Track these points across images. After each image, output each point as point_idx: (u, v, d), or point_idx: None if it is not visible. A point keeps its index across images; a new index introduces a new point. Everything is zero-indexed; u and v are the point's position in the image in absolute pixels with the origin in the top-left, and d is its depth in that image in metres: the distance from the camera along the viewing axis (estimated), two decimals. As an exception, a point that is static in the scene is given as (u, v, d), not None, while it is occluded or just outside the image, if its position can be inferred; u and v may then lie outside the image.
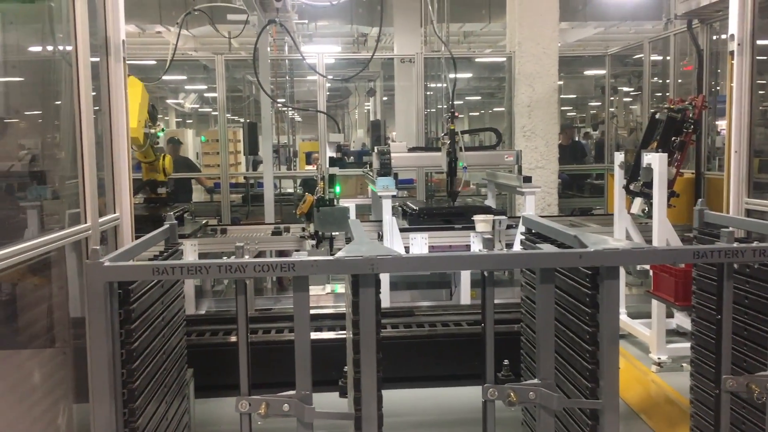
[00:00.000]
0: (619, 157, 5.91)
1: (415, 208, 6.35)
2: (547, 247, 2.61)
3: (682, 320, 5.65)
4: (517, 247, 5.45)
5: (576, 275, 2.84)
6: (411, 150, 6.63)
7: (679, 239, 5.29)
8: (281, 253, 6.32)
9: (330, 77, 10.03)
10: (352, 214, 5.69)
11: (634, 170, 5.65)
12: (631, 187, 5.65)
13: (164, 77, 7.62)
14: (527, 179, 6.13)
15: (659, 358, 5.24)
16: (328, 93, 8.97)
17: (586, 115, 20.13)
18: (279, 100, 10.85)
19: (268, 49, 8.01)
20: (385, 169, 5.99)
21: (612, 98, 10.37)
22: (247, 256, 2.61)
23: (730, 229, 2.76)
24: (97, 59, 3.60)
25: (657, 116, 5.82)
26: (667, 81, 8.46)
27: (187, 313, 4.07)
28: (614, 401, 2.58)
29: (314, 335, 4.84)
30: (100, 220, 3.34)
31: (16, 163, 3.30)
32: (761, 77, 5.46)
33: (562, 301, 2.97)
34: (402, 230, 5.97)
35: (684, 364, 5.19)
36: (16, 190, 3.48)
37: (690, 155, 6.89)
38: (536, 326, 2.65)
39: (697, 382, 3.38)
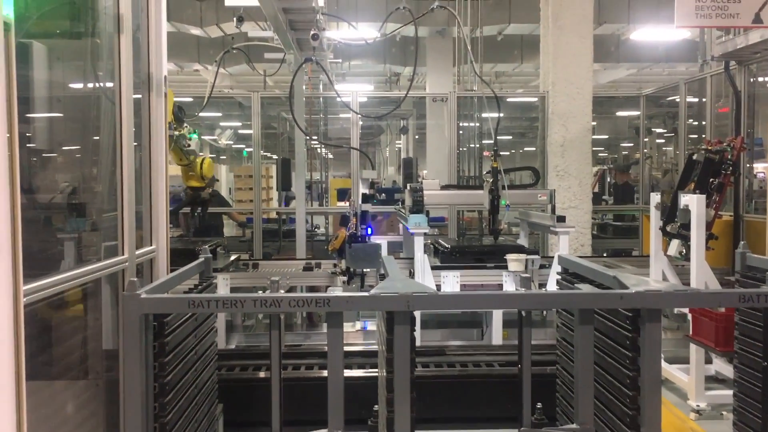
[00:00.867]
0: (656, 197, 5.84)
1: (447, 245, 6.31)
2: (586, 288, 2.56)
3: (721, 366, 5.49)
4: (550, 287, 5.37)
5: (615, 317, 2.77)
6: (444, 188, 6.62)
7: (718, 282, 5.17)
8: (312, 289, 6.31)
9: (364, 115, 10.13)
10: (384, 251, 5.67)
11: (671, 211, 5.57)
12: (668, 228, 5.56)
13: (200, 114, 7.76)
14: (561, 219, 6.07)
15: (698, 406, 5.09)
16: (360, 131, 9.05)
17: (617, 156, 20.02)
18: (313, 137, 10.98)
19: (303, 87, 8.11)
20: (418, 207, 5.98)
21: (646, 139, 10.29)
22: (281, 291, 2.60)
23: (777, 272, 2.69)
24: (138, 96, 3.68)
25: (694, 157, 5.75)
26: (703, 123, 8.38)
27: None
28: (656, 449, 2.49)
29: (344, 373, 4.78)
30: (137, 252, 3.37)
31: (57, 195, 3.36)
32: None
33: (600, 343, 2.90)
34: (434, 268, 5.93)
35: (724, 412, 5.03)
36: (56, 222, 3.53)
37: (728, 198, 6.78)
38: (574, 369, 2.59)
39: (741, 431, 3.26)
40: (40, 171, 3.42)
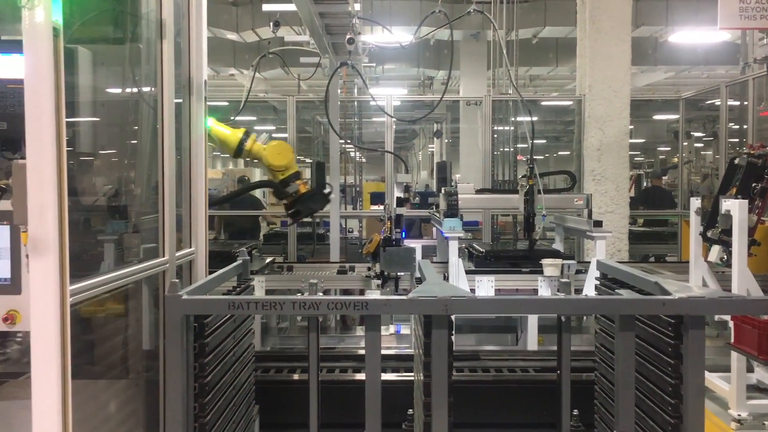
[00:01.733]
0: (696, 203, 5.74)
1: (481, 250, 6.28)
2: (627, 293, 2.52)
3: (763, 375, 5.37)
4: (588, 293, 5.30)
5: (657, 323, 2.72)
6: (478, 191, 6.59)
7: (761, 289, 5.06)
8: (346, 292, 6.32)
9: (398, 119, 10.14)
10: (419, 255, 5.66)
11: (712, 217, 5.47)
12: (709, 234, 5.46)
13: (236, 118, 7.83)
14: (598, 224, 5.99)
15: (739, 415, 4.98)
16: (394, 134, 9.06)
17: (654, 160, 19.73)
18: (348, 141, 11.02)
19: (339, 90, 8.16)
20: (452, 210, 5.97)
21: (684, 143, 10.12)
22: (320, 293, 2.61)
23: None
24: (179, 100, 3.73)
25: (736, 162, 5.64)
26: (744, 126, 8.22)
27: (255, 349, 4.09)
28: (699, 458, 2.45)
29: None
30: (177, 254, 3.42)
31: (101, 197, 3.43)
32: None
33: (641, 350, 2.86)
34: (468, 272, 5.90)
35: (766, 422, 4.92)
36: (98, 223, 3.60)
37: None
38: (615, 376, 2.55)
39: (786, 442, 3.19)
40: (85, 174, 3.49)
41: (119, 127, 3.82)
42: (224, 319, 2.90)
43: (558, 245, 7.00)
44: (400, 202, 7.94)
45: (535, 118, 6.85)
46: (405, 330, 6.66)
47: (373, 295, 2.48)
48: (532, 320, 5.84)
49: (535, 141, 6.11)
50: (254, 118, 18.60)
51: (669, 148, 17.53)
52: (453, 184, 7.45)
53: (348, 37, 6.07)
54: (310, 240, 9.77)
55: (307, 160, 17.45)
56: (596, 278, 3.48)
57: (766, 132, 7.76)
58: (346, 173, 12.76)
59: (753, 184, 5.40)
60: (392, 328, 6.88)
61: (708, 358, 6.18)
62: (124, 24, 3.60)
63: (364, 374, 2.56)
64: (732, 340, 4.84)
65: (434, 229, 8.05)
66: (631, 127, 8.78)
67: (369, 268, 6.16)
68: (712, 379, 5.35)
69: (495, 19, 8.68)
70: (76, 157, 3.25)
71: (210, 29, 12.76)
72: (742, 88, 8.30)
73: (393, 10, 11.19)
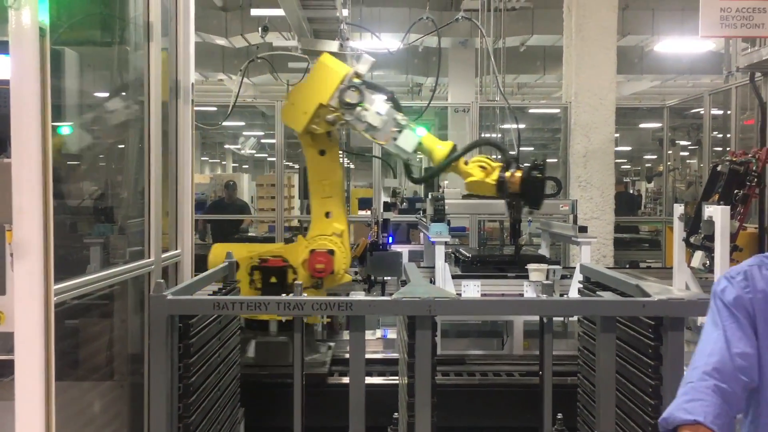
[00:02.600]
0: (679, 209, 5.79)
1: (468, 255, 6.30)
2: (608, 296, 2.56)
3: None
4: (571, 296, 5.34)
5: (638, 326, 2.76)
6: (465, 197, 6.62)
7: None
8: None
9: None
10: (405, 260, 5.69)
11: (695, 223, 5.53)
12: (692, 239, 5.52)
13: (223, 123, 7.84)
14: (583, 229, 6.03)
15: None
16: (382, 141, 9.09)
17: (640, 168, 19.88)
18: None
19: (327, 96, 8.17)
20: (439, 216, 5.98)
21: (669, 151, 10.23)
22: (305, 294, 2.63)
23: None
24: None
25: (719, 168, 5.71)
26: (728, 135, 8.31)
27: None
28: (678, 458, 2.47)
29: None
30: (163, 256, 3.42)
31: (87, 199, 3.43)
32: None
33: (622, 352, 2.89)
34: (454, 277, 5.92)
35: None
36: (86, 226, 3.60)
37: (753, 210, 6.71)
38: (596, 377, 2.58)
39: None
40: (71, 175, 3.49)
41: (106, 129, 3.83)
42: (210, 320, 2.91)
43: (544, 251, 7.04)
44: (388, 207, 7.98)
45: (522, 126, 6.91)
46: (392, 335, 6.67)
47: (358, 296, 2.50)
48: (518, 325, 5.87)
49: (522, 148, 6.15)
50: (242, 123, 18.62)
51: (655, 156, 17.68)
52: (440, 189, 7.49)
53: (337, 42, 6.09)
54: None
55: (296, 166, 17.48)
56: (579, 281, 3.52)
57: (749, 140, 7.84)
58: (334, 179, 12.79)
59: (735, 191, 5.46)
60: (379, 333, 6.89)
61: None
62: (112, 26, 3.61)
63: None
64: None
65: (421, 234, 8.08)
66: (617, 135, 8.85)
67: (356, 272, 6.18)
68: (695, 384, 5.40)
69: (483, 26, 8.74)
70: (62, 159, 3.25)
71: (199, 34, 12.77)
72: (725, 97, 8.39)
73: (382, 16, 11.25)
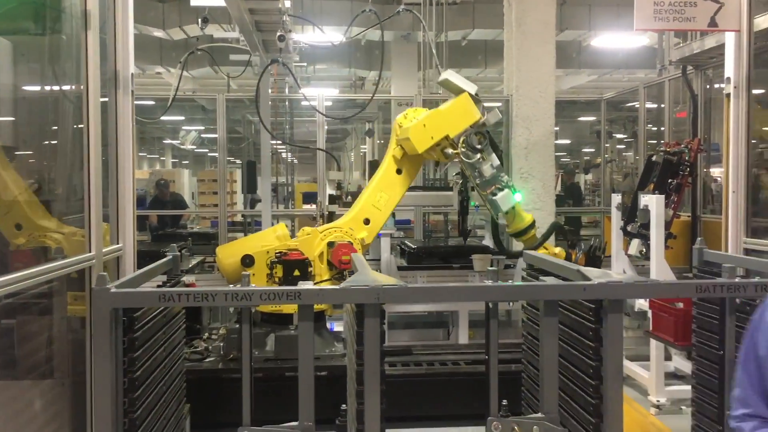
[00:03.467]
0: (617, 198, 5.98)
1: (413, 246, 6.37)
2: (551, 280, 2.63)
3: (680, 363, 5.64)
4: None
5: (579, 309, 2.84)
6: (411, 189, 6.67)
7: (677, 279, 5.32)
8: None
9: (330, 116, 10.15)
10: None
11: (632, 212, 5.72)
12: (629, 228, 5.70)
13: (162, 117, 7.68)
14: (525, 219, 6.15)
15: (658, 401, 5.22)
16: (326, 135, 9.07)
17: (579, 161, 20.35)
18: (279, 140, 10.96)
19: (269, 89, 8.10)
20: (385, 208, 6.02)
21: (607, 144, 10.51)
22: (253, 285, 2.61)
23: (732, 264, 2.79)
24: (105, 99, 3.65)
25: (654, 159, 5.91)
26: (662, 128, 8.59)
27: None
28: (618, 436, 2.57)
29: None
30: (104, 250, 3.35)
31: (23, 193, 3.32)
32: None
33: (564, 335, 2.97)
34: (400, 269, 5.98)
35: (683, 407, 5.17)
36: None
37: (686, 199, 6.97)
38: (540, 360, 2.65)
39: (699, 422, 3.36)
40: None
41: (43, 121, 3.71)
42: (154, 314, 2.86)
43: (488, 241, 7.15)
44: (333, 200, 7.97)
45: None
46: (338, 327, 6.68)
47: (306, 285, 2.50)
48: (463, 315, 5.96)
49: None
50: (182, 118, 18.25)
51: (593, 150, 18.14)
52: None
53: (279, 34, 6.05)
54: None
55: (238, 161, 17.26)
56: (523, 269, 3.60)
57: (681, 133, 8.13)
58: (278, 173, 12.70)
59: (669, 180, 5.67)
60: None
61: (629, 347, 6.48)
62: (47, 15, 3.50)
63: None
64: (651, 328, 5.07)
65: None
66: (557, 128, 9.03)
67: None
68: (633, 368, 5.59)
69: (425, 20, 8.79)
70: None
71: (135, 26, 12.46)
72: (659, 90, 8.67)
73: (324, 9, 11.19)
